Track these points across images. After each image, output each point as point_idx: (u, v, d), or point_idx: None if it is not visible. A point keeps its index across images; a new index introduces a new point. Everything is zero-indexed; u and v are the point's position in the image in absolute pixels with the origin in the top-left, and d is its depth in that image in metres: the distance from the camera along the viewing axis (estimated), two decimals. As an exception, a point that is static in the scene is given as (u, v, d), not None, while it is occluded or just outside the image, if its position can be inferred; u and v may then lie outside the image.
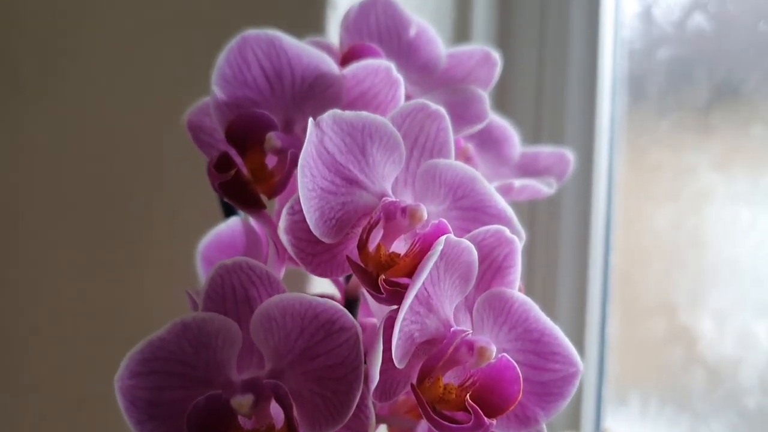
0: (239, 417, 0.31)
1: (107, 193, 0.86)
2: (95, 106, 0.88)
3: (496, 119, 0.51)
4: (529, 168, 0.51)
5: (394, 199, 0.34)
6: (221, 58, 0.39)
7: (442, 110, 0.37)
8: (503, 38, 0.95)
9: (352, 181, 0.34)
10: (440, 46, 0.45)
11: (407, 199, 0.35)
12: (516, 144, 0.51)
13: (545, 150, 0.51)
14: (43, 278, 0.91)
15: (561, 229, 0.90)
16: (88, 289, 0.87)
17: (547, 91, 0.91)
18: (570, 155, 0.50)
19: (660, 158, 0.93)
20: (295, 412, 0.31)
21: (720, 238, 0.88)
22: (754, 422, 0.84)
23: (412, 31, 0.45)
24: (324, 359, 0.32)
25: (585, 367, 0.93)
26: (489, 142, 0.50)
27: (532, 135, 0.93)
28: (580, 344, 0.90)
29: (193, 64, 0.78)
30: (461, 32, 0.86)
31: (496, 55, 0.45)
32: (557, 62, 0.91)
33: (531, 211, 0.92)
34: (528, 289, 0.88)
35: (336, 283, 0.42)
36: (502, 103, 0.91)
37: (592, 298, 0.92)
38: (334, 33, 0.67)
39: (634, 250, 0.95)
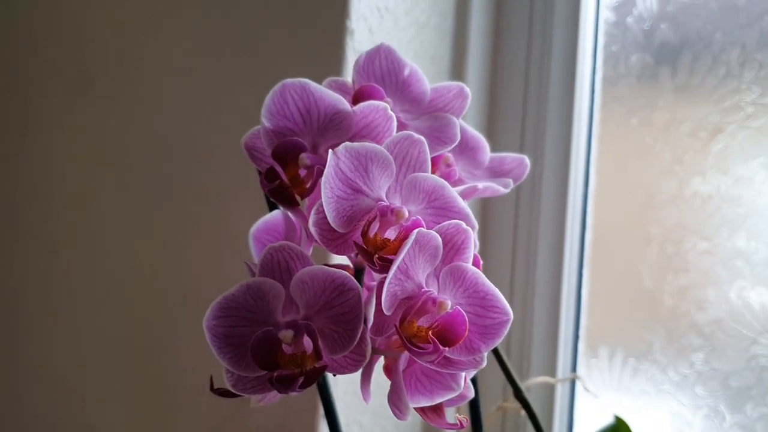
0: (283, 345, 0.46)
1: (167, 180, 0.98)
2: (157, 105, 1.00)
3: (471, 131, 0.65)
4: (496, 170, 0.65)
5: (386, 202, 0.49)
6: (268, 98, 0.53)
7: (422, 138, 0.51)
8: (495, 43, 1.08)
9: (358, 191, 0.49)
10: (426, 83, 0.59)
11: (396, 202, 0.50)
12: (487, 151, 0.65)
13: (509, 156, 0.65)
14: (112, 249, 1.04)
15: (542, 209, 1.04)
16: (151, 256, 1.01)
17: (532, 93, 1.04)
18: (527, 160, 0.65)
19: (629, 148, 1.06)
20: (320, 343, 0.47)
21: (680, 216, 1.01)
22: (702, 373, 0.97)
23: (406, 72, 0.59)
24: (338, 308, 0.47)
25: (562, 323, 1.09)
26: (466, 150, 0.63)
27: (520, 128, 1.06)
28: (557, 304, 1.04)
29: (239, 77, 0.93)
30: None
31: (468, 90, 0.60)
32: (541, 70, 1.03)
33: (516, 192, 1.06)
34: (513, 259, 1.03)
35: (349, 257, 0.58)
36: (492, 105, 1.04)
37: (569, 265, 1.05)
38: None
39: (607, 226, 1.08)
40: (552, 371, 1.03)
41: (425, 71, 0.60)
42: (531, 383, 0.90)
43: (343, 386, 0.87)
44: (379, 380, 0.53)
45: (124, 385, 1.04)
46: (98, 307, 1.07)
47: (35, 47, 1.11)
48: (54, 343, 1.10)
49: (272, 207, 0.59)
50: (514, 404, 0.76)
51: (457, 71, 0.99)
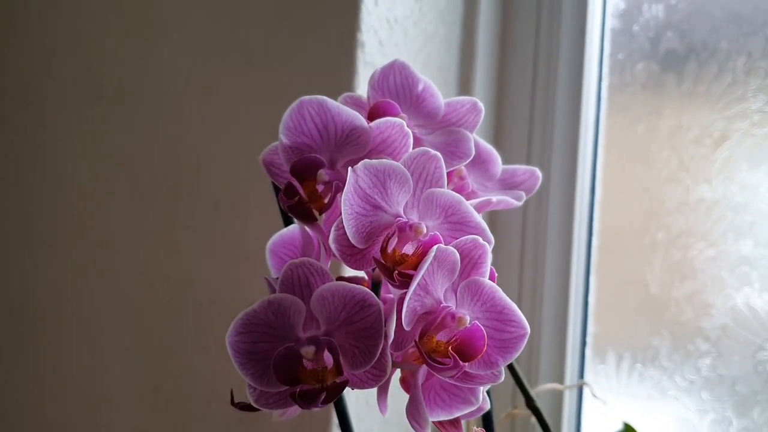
0: (305, 361, 0.47)
1: (178, 189, 0.99)
2: (167, 115, 1.01)
3: (484, 144, 0.65)
4: (508, 182, 0.66)
5: (405, 218, 0.50)
6: (286, 115, 0.53)
7: (438, 154, 0.52)
8: (503, 42, 1.08)
9: (377, 207, 0.50)
10: (440, 98, 0.60)
11: (414, 217, 0.51)
12: (499, 163, 0.65)
13: (521, 168, 0.66)
14: (124, 257, 1.05)
15: (549, 216, 1.04)
16: (163, 264, 1.01)
17: (539, 101, 1.05)
18: (539, 172, 0.66)
19: (635, 155, 1.07)
20: (341, 358, 0.47)
21: (686, 223, 1.02)
22: (709, 379, 0.97)
23: (420, 87, 0.60)
24: (359, 324, 0.47)
25: (570, 329, 1.09)
26: (478, 162, 0.64)
27: (527, 136, 1.07)
28: (565, 311, 1.05)
29: (251, 88, 0.93)
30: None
31: (481, 105, 0.60)
32: (548, 78, 1.04)
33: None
34: (521, 265, 1.04)
35: (367, 272, 0.57)
36: (500, 113, 1.05)
37: (577, 272, 1.06)
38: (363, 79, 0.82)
39: (614, 233, 1.08)
40: (560, 378, 1.04)
41: (433, 81, 0.61)
42: (539, 390, 0.91)
43: (354, 395, 0.87)
44: (390, 390, 0.54)
45: (136, 393, 1.04)
46: (110, 315, 1.07)
47: (46, 59, 1.11)
48: (66, 352, 1.11)
49: (287, 221, 0.60)
50: (523, 411, 0.77)
51: (465, 81, 1.00)
